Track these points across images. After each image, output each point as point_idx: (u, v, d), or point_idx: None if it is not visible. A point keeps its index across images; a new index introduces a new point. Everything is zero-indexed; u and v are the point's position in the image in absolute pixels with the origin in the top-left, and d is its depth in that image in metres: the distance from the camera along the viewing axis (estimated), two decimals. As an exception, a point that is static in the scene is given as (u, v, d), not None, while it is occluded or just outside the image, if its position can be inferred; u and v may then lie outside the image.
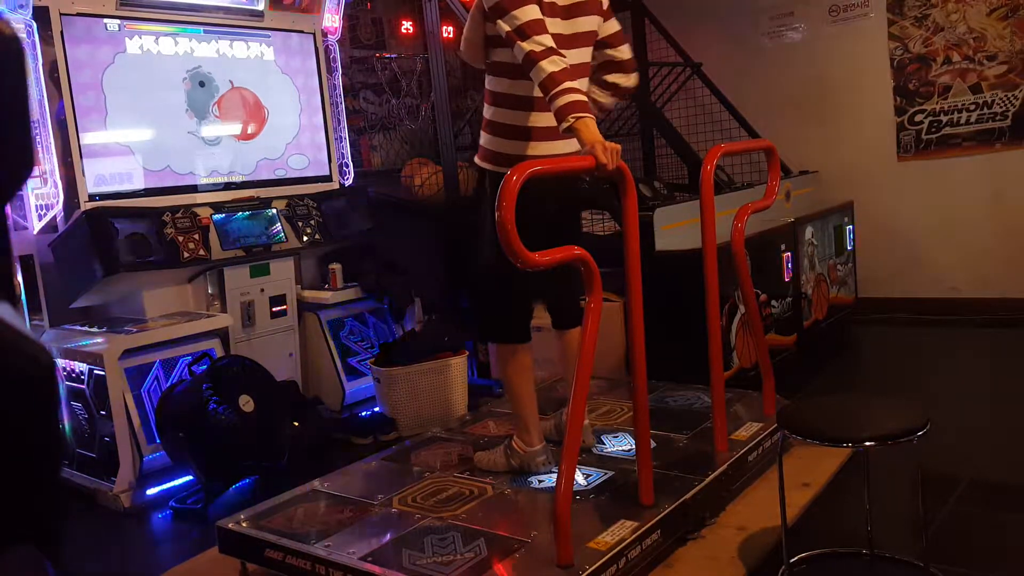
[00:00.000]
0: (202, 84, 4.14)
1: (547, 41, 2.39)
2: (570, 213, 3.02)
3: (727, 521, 2.70)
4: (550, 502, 2.25)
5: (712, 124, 5.64)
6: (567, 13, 2.61)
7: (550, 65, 2.35)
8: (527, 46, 2.37)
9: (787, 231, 4.26)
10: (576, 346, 2.95)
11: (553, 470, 2.81)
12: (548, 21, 2.46)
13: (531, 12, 2.41)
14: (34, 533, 0.98)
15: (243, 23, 4.27)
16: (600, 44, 2.77)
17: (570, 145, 2.49)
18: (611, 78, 2.84)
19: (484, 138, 2.75)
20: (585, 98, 2.37)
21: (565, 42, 2.55)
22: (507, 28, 2.41)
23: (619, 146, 2.31)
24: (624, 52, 2.82)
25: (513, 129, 2.66)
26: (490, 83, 2.72)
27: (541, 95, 2.41)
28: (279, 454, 3.44)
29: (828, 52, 5.68)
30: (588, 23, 2.68)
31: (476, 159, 2.79)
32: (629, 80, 2.86)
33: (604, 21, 2.74)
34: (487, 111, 2.74)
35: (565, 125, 2.33)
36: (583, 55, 2.69)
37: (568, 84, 2.34)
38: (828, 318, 4.68)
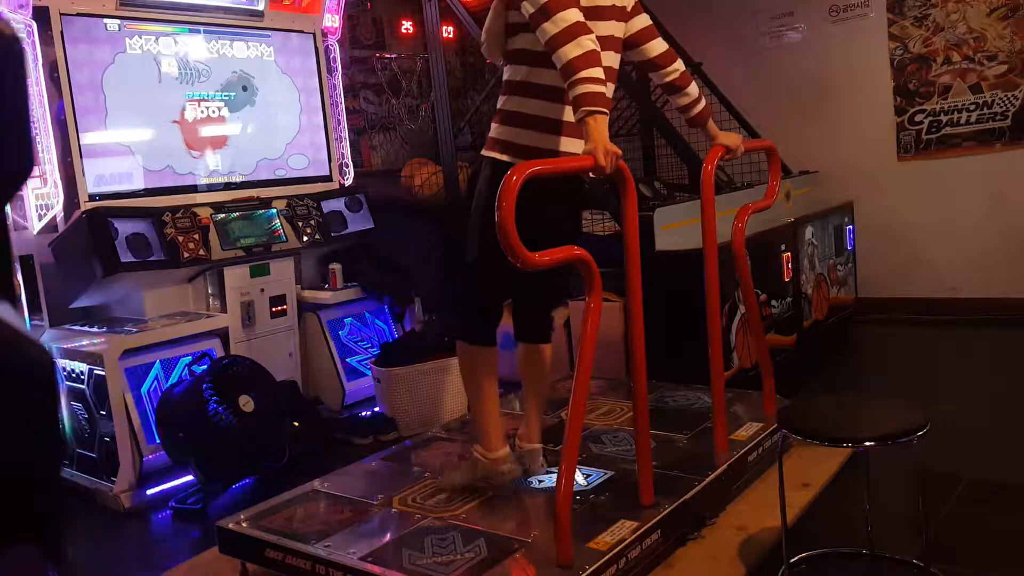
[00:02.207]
0: (245, 88, 4.25)
1: (573, 16, 2.27)
2: (572, 212, 2.99)
3: (727, 521, 2.70)
4: (550, 502, 2.25)
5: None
6: (591, 15, 2.47)
7: (572, 49, 2.24)
8: (550, 27, 2.27)
9: (787, 231, 4.26)
10: (541, 363, 2.86)
11: (526, 480, 2.76)
12: None
13: None
14: (34, 533, 0.98)
15: (243, 23, 4.28)
16: (630, 44, 2.73)
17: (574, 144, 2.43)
18: (655, 77, 2.83)
19: (498, 129, 2.62)
20: (604, 89, 2.26)
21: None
22: (531, 9, 2.32)
23: (620, 151, 2.28)
24: (654, 48, 2.77)
25: (530, 118, 2.55)
26: (509, 72, 2.62)
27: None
28: (279, 454, 3.44)
29: (828, 52, 5.67)
30: (609, 28, 2.60)
31: (485, 151, 2.65)
32: (668, 75, 2.80)
33: (628, 22, 2.69)
34: (502, 101, 2.63)
35: (578, 117, 2.25)
36: (609, 60, 2.57)
37: (588, 73, 2.22)
38: (828, 318, 4.68)
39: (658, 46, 2.78)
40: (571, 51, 2.24)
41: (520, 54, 2.57)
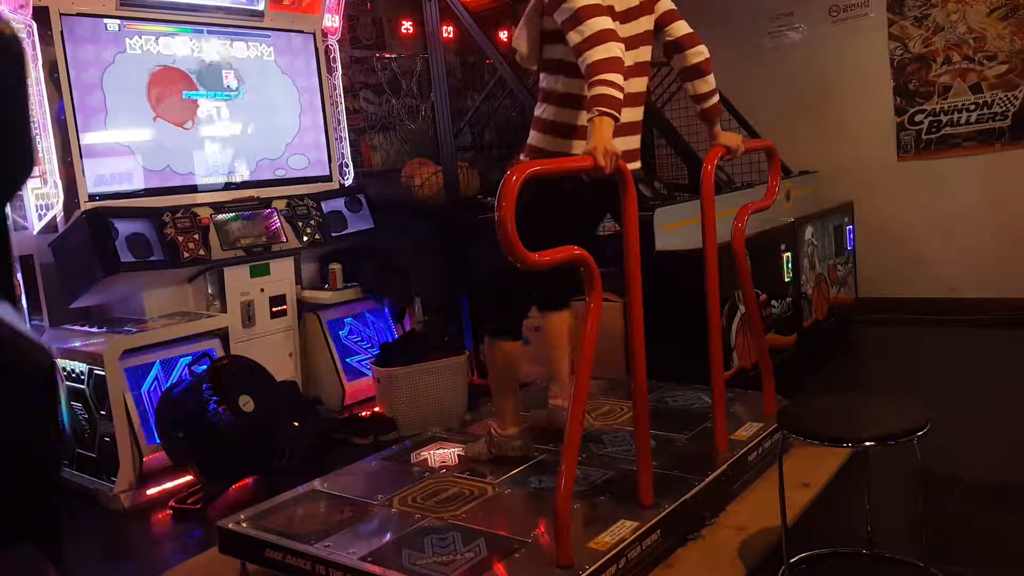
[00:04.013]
0: (244, 88, 4.30)
1: (600, 24, 2.36)
2: (600, 215, 3.02)
3: (727, 521, 2.70)
4: (550, 502, 2.25)
5: (712, 124, 5.63)
6: (625, 17, 2.61)
7: (598, 53, 2.33)
8: (580, 33, 2.36)
9: (787, 231, 4.26)
10: (561, 327, 3.07)
11: (536, 455, 2.91)
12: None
13: None
14: (34, 533, 0.98)
15: (243, 23, 4.28)
16: (656, 29, 2.78)
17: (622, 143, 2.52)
18: (675, 61, 2.84)
19: (532, 135, 2.74)
20: (619, 94, 2.32)
21: (624, 45, 2.53)
22: (563, 17, 2.42)
23: (620, 150, 2.30)
24: (678, 29, 2.79)
25: (563, 127, 2.65)
26: (543, 81, 2.72)
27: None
28: (279, 454, 3.43)
29: (828, 52, 5.67)
30: (646, 23, 2.70)
31: (524, 156, 2.78)
32: (693, 57, 2.80)
33: (655, 12, 2.75)
34: (538, 109, 2.73)
35: (588, 117, 2.32)
36: (643, 55, 2.71)
37: (608, 76, 2.30)
38: (828, 318, 4.68)
39: (682, 27, 2.81)
40: (597, 54, 2.33)
41: (558, 64, 2.64)
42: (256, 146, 4.34)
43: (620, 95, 2.32)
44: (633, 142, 2.75)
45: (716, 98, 2.90)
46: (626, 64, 2.55)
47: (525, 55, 2.71)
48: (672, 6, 2.81)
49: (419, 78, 5.97)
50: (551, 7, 2.49)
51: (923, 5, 5.33)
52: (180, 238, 3.76)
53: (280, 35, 4.46)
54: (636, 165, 2.79)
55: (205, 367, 3.43)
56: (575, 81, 2.54)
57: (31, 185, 3.58)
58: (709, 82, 2.85)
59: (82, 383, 3.53)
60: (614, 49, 2.34)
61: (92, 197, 3.66)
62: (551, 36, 2.60)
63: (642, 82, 2.73)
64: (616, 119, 2.31)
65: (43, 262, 3.66)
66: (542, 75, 2.72)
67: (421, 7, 4.73)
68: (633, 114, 2.71)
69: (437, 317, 4.64)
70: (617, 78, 2.32)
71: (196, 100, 4.10)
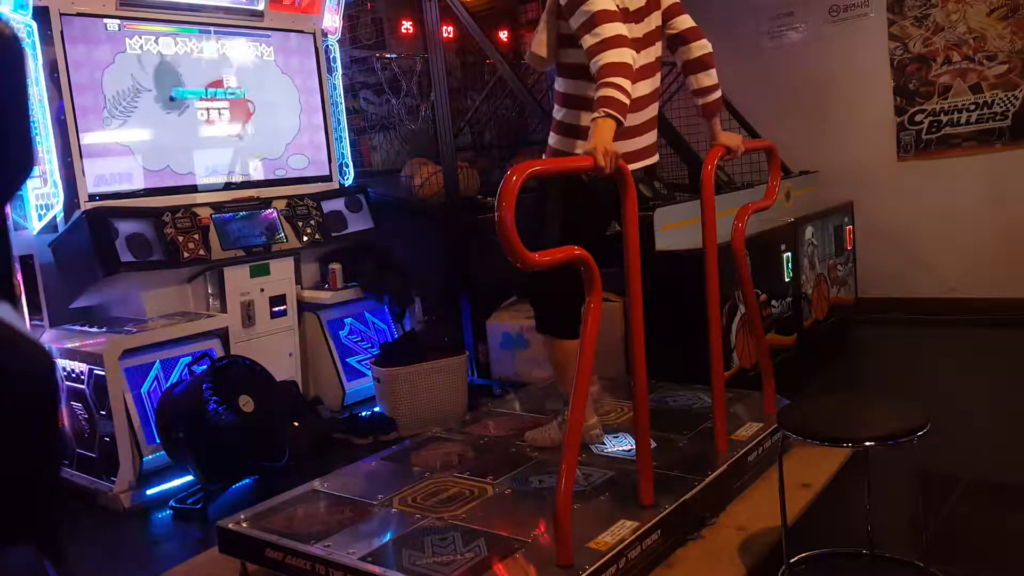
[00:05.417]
0: (244, 88, 4.31)
1: (615, 29, 2.43)
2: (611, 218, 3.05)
3: (727, 521, 2.70)
4: (550, 502, 2.25)
5: (712, 124, 5.62)
6: (637, 17, 2.66)
7: (611, 56, 2.40)
8: (594, 37, 2.43)
9: (787, 231, 4.26)
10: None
11: (604, 443, 2.97)
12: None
13: (602, 3, 2.46)
14: (34, 533, 0.98)
15: (243, 23, 4.28)
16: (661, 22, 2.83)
17: (632, 143, 2.58)
18: (679, 54, 2.85)
19: (552, 137, 2.81)
20: (626, 99, 2.38)
21: (639, 45, 2.60)
22: (579, 21, 2.48)
23: (619, 150, 2.32)
24: (683, 22, 2.82)
25: (580, 129, 2.68)
26: (560, 84, 2.78)
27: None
28: (279, 454, 3.43)
29: (828, 52, 5.68)
30: (655, 19, 2.76)
31: (544, 156, 2.86)
32: (698, 49, 2.81)
33: (661, 7, 2.80)
34: (556, 112, 2.80)
35: (591, 116, 2.37)
36: (655, 51, 2.76)
37: (617, 80, 2.37)
38: (828, 318, 4.68)
39: (686, 20, 2.84)
40: (609, 57, 2.40)
41: (576, 68, 2.68)
42: (256, 146, 4.34)
43: (627, 100, 2.38)
44: (650, 137, 2.83)
45: (718, 93, 2.90)
46: (640, 63, 2.61)
47: (544, 57, 2.75)
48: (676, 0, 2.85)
49: (419, 78, 5.97)
50: (567, 11, 2.54)
51: (923, 5, 5.33)
52: (180, 238, 3.76)
53: (280, 35, 4.46)
54: (655, 159, 2.88)
55: (205, 367, 3.43)
56: (592, 84, 2.55)
57: (31, 185, 3.58)
58: (712, 76, 2.86)
59: (82, 383, 3.53)
60: (626, 55, 2.41)
61: (92, 197, 3.66)
62: (569, 40, 2.64)
63: (655, 80, 2.79)
64: (620, 122, 2.36)
65: (43, 262, 3.66)
66: (559, 79, 2.79)
67: (421, 7, 4.72)
68: (649, 111, 2.78)
69: (437, 317, 4.64)
70: (625, 83, 2.38)
71: (195, 100, 4.09)
